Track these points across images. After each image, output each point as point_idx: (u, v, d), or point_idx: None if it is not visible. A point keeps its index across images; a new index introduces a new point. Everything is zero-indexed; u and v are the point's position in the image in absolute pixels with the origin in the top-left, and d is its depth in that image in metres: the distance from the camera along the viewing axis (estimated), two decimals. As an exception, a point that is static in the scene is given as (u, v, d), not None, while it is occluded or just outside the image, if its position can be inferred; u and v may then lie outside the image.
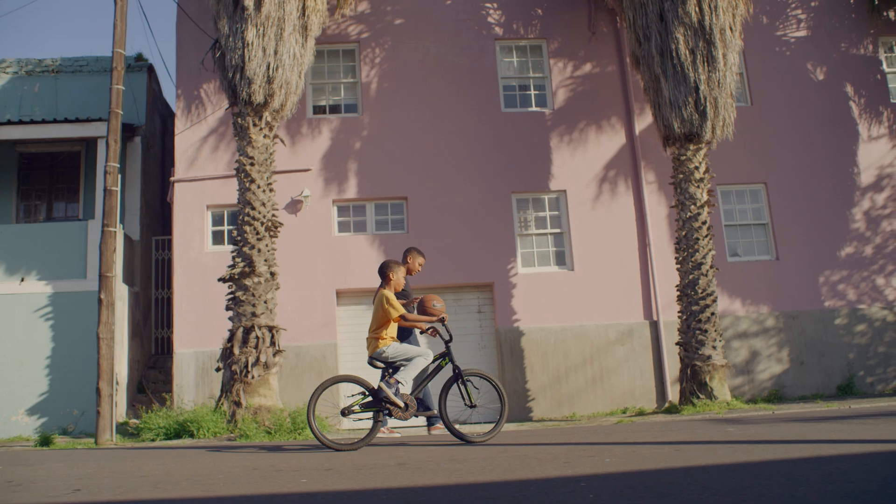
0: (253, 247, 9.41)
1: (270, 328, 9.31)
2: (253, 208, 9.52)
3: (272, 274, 9.49)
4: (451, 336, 6.04)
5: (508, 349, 10.98)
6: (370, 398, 5.76)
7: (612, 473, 3.72)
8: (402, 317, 5.85)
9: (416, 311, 6.30)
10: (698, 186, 10.21)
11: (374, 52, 11.87)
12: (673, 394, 10.97)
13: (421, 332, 6.95)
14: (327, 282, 11.06)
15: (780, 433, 5.19)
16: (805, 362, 11.45)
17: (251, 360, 9.08)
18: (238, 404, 9.00)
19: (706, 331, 9.83)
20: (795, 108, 12.29)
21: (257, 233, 9.47)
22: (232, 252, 9.61)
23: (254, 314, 9.24)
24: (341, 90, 11.95)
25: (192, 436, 8.77)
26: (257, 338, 9.18)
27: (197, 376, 10.69)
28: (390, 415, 5.81)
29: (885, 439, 4.64)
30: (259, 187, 9.59)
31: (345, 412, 5.74)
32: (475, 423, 8.25)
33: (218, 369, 9.45)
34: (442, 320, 5.97)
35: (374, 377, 6.29)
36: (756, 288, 11.58)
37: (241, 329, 9.18)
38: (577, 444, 5.37)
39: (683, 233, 10.21)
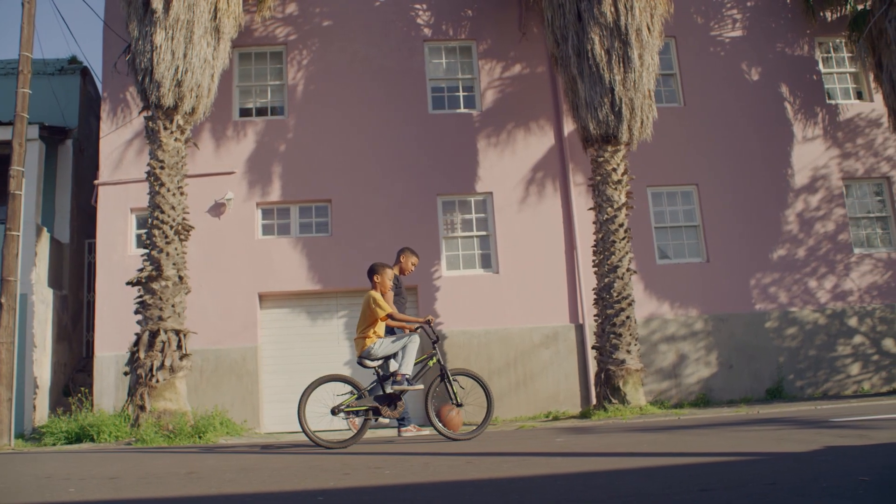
0: (161, 250, 9.38)
1: (178, 332, 9.28)
2: (162, 212, 9.49)
3: (181, 277, 9.46)
4: (437, 337, 6.29)
5: (431, 352, 10.89)
6: (358, 396, 5.99)
7: (368, 487, 3.66)
8: (389, 316, 6.11)
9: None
10: (616, 188, 10.11)
11: (301, 54, 11.82)
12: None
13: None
14: (250, 285, 11.01)
15: (610, 444, 5.10)
16: (734, 366, 11.33)
17: (156, 363, 9.05)
18: (142, 408, 8.98)
19: (620, 335, 9.74)
20: (729, 109, 12.17)
21: (166, 236, 9.44)
22: (142, 255, 9.59)
23: (160, 318, 9.21)
24: (268, 93, 11.91)
25: (93, 440, 8.77)
26: (163, 342, 9.15)
27: (117, 380, 10.66)
28: (379, 414, 5.98)
29: (696, 452, 4.56)
30: (169, 191, 9.56)
31: (334, 411, 5.95)
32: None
33: (126, 373, 9.45)
34: (428, 322, 6.25)
35: (361, 377, 6.54)
36: (685, 290, 11.46)
37: (147, 333, 9.16)
38: (394, 453, 5.30)
39: (600, 235, 10.11)
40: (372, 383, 6.19)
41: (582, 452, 4.58)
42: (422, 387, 6.19)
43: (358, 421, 6.13)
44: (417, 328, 6.36)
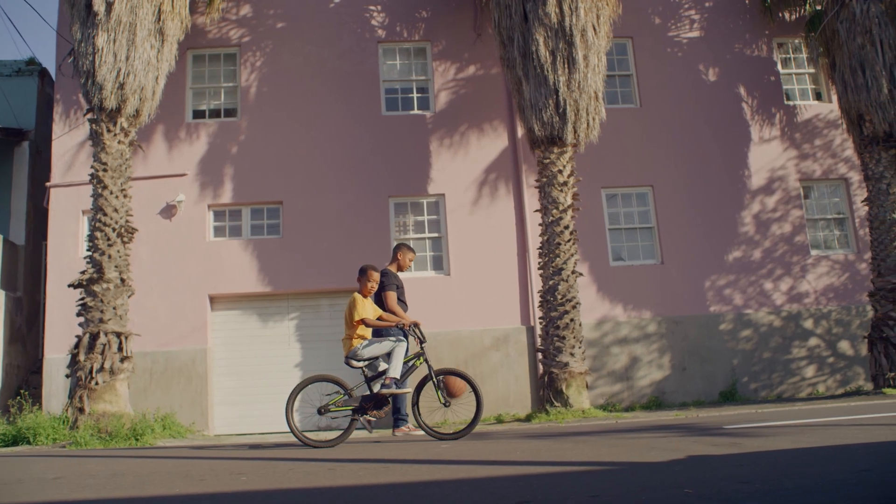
0: (103, 253, 9.38)
1: (119, 334, 9.28)
2: (105, 214, 9.49)
3: (123, 280, 9.45)
4: (425, 338, 6.42)
5: (381, 355, 10.87)
6: (346, 396, 6.11)
7: (210, 493, 3.64)
8: (362, 320, 6.20)
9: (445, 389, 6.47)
10: (561, 190, 10.07)
11: (255, 56, 11.81)
12: (547, 400, 10.83)
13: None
14: (201, 287, 11.00)
15: (490, 451, 5.06)
16: (687, 368, 11.27)
17: (96, 366, 9.06)
18: (81, 410, 8.99)
19: (564, 337, 9.69)
20: (686, 110, 12.11)
21: (108, 239, 9.44)
22: (84, 258, 9.61)
23: (101, 320, 9.22)
24: (222, 94, 11.90)
25: (29, 443, 8.76)
26: (104, 344, 9.16)
27: (66, 382, 10.67)
28: (364, 413, 6.08)
29: (559, 461, 4.52)
30: (112, 193, 9.55)
31: (321, 411, 6.08)
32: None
33: (67, 376, 9.46)
34: (404, 324, 6.34)
35: (348, 376, 6.67)
36: (639, 292, 11.41)
37: (87, 335, 9.17)
38: (298, 459, 5.29)
39: (546, 238, 10.07)
40: (359, 384, 6.29)
41: (451, 460, 4.55)
42: (410, 390, 6.41)
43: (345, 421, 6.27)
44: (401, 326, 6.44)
